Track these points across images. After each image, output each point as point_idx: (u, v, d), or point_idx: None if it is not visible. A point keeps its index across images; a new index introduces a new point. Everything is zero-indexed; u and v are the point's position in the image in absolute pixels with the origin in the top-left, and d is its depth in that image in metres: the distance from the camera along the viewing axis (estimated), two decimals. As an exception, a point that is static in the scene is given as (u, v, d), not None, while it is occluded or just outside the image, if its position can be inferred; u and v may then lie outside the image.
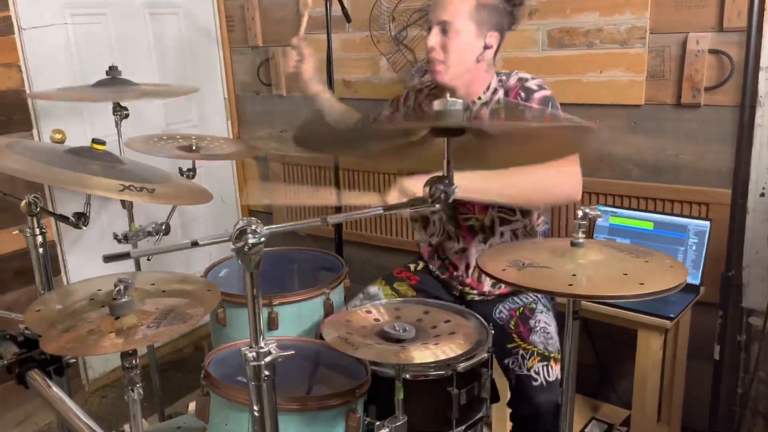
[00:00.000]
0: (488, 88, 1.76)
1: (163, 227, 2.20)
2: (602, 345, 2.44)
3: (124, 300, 1.19)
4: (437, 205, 1.03)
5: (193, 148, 2.34)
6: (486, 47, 1.68)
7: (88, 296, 1.58)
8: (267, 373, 1.00)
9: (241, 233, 0.94)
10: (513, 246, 1.48)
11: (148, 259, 2.16)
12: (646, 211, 2.22)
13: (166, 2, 2.90)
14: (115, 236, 2.12)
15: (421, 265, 2.00)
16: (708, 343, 2.20)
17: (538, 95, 1.70)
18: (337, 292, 2.12)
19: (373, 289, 1.94)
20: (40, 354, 1.75)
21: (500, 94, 1.75)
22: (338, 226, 2.76)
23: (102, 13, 2.64)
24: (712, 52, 2.08)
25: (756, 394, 2.16)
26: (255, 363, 1.00)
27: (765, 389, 2.15)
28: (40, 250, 1.71)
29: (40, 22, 2.43)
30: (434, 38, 1.67)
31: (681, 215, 2.16)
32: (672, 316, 1.94)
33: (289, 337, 1.79)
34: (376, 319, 1.34)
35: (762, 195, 2.05)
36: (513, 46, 2.38)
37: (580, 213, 1.27)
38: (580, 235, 1.28)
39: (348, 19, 2.64)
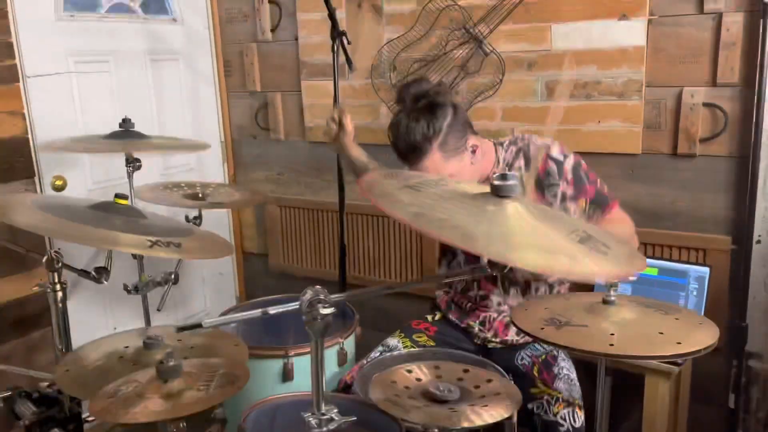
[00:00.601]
0: (498, 161, 1.85)
1: (173, 276, 2.20)
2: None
3: (172, 363, 1.19)
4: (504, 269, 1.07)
5: (200, 195, 2.35)
6: (473, 150, 1.78)
7: (116, 354, 1.56)
8: (331, 441, 1.01)
9: (312, 304, 0.96)
10: (545, 301, 1.52)
11: (158, 309, 2.15)
12: (646, 256, 2.29)
13: (167, 49, 2.92)
14: (126, 287, 2.10)
15: (438, 315, 2.02)
16: (711, 386, 2.26)
17: (568, 165, 1.80)
18: (349, 341, 2.13)
19: (393, 341, 1.94)
20: (60, 412, 1.73)
21: (520, 162, 1.83)
22: (342, 269, 2.77)
23: (105, 60, 2.65)
24: (706, 105, 2.18)
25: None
26: (318, 430, 1.01)
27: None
28: (60, 305, 1.70)
29: (44, 70, 2.42)
30: None
31: (679, 261, 2.24)
32: (679, 362, 1.99)
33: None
34: (418, 379, 1.37)
35: (758, 242, 2.14)
36: (513, 95, 2.47)
37: (613, 272, 1.32)
38: (612, 293, 1.33)
39: (351, 67, 2.69)
